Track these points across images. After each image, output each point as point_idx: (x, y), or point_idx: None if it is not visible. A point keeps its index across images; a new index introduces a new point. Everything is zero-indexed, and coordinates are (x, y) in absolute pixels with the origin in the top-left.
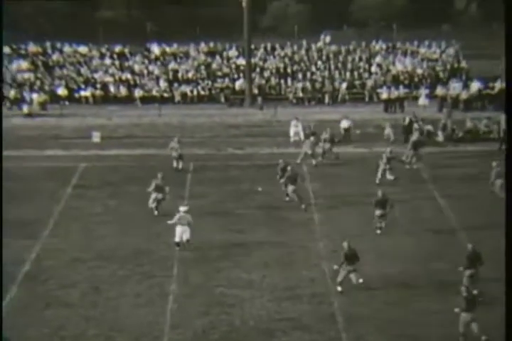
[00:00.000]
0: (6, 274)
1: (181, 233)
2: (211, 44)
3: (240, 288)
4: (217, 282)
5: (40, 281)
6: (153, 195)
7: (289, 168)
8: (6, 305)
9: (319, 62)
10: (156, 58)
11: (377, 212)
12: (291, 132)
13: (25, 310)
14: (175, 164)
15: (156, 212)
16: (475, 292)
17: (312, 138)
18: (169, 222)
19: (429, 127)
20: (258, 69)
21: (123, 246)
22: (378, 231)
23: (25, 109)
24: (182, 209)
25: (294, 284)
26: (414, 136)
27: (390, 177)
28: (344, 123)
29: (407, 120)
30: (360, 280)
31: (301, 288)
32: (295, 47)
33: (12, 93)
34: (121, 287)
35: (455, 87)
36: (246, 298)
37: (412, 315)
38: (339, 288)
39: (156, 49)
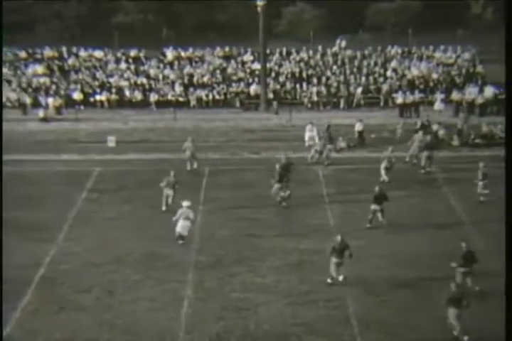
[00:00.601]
0: (21, 278)
1: (182, 227)
2: (226, 48)
3: (254, 292)
4: (231, 286)
5: (54, 285)
6: (165, 191)
7: (277, 166)
8: (21, 309)
9: (334, 67)
10: (171, 63)
11: (373, 207)
12: (306, 136)
13: (39, 314)
14: (188, 166)
15: (164, 207)
16: (454, 288)
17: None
18: (174, 218)
19: (442, 131)
20: (273, 74)
21: (137, 250)
22: (368, 225)
23: (41, 113)
24: (185, 204)
25: (309, 288)
26: (427, 138)
27: (384, 176)
28: (358, 126)
29: (419, 124)
30: (341, 278)
31: (316, 292)
32: (310, 52)
33: (28, 99)
34: (136, 291)
35: (471, 91)
36: (261, 303)
37: (428, 320)
38: (340, 278)
39: (171, 53)
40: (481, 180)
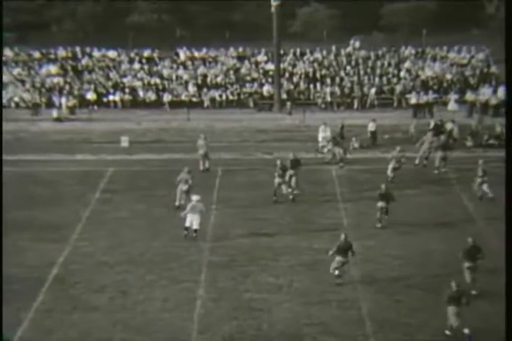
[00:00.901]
0: (35, 277)
1: (191, 220)
2: (240, 49)
3: (267, 292)
4: (245, 286)
5: (68, 285)
6: (179, 187)
7: (278, 161)
8: (35, 309)
9: (348, 67)
10: (185, 63)
11: (379, 204)
12: (320, 137)
13: (52, 314)
14: (201, 166)
15: (177, 203)
16: (454, 287)
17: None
18: (182, 214)
19: (456, 130)
20: (287, 74)
21: (151, 250)
22: (379, 225)
23: (55, 113)
24: (194, 198)
25: (323, 289)
26: (440, 139)
27: (390, 174)
28: (371, 126)
29: (433, 124)
30: (336, 272)
31: (330, 292)
32: (324, 53)
33: (38, 99)
34: (149, 291)
35: (485, 92)
36: (274, 303)
37: (442, 320)
38: (338, 281)
39: (183, 54)
40: (480, 177)
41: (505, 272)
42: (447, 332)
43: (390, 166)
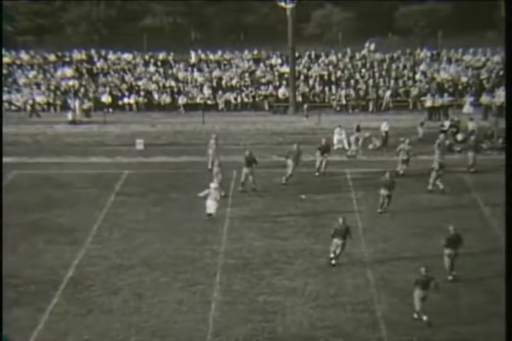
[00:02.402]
0: (50, 280)
1: (210, 206)
2: (255, 51)
3: (282, 295)
4: (259, 289)
5: (83, 287)
6: (214, 170)
7: (247, 152)
8: (49, 311)
9: (363, 70)
10: (198, 65)
11: (382, 192)
12: (335, 140)
13: (67, 316)
14: (209, 165)
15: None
16: (423, 272)
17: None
18: (200, 194)
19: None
20: (302, 77)
21: (166, 253)
22: (379, 210)
23: (70, 116)
24: (212, 185)
25: (337, 292)
26: (471, 139)
27: (400, 166)
28: (384, 127)
29: (448, 124)
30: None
31: (344, 295)
32: (339, 55)
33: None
34: (164, 294)
35: (500, 94)
36: (288, 306)
37: (457, 323)
38: (333, 261)
39: (194, 56)
40: (436, 171)
41: (506, 275)
42: (415, 316)
43: (399, 158)
